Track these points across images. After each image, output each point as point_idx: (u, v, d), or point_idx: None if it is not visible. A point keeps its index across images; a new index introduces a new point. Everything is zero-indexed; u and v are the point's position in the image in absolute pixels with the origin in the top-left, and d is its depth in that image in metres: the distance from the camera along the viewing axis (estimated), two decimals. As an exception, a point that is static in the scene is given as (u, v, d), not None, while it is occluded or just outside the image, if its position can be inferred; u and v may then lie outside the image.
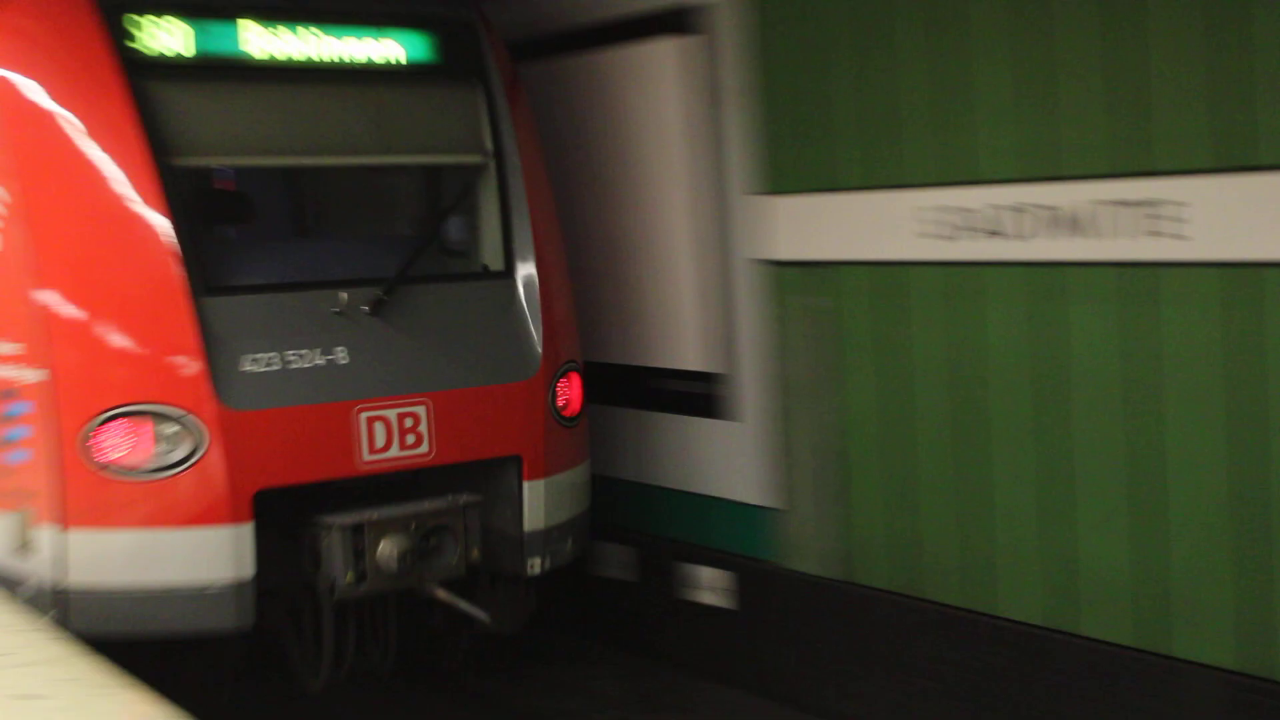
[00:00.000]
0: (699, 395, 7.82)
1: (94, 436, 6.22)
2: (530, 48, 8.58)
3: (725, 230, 7.52)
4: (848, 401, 7.11)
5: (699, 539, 7.97)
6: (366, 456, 6.57)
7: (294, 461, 6.48)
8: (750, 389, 7.52)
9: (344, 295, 6.70)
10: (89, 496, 6.28)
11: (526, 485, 7.02)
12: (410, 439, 6.68)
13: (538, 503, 7.04)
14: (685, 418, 7.92)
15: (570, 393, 7.33)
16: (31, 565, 6.36)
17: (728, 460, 7.69)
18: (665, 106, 7.74)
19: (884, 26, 6.70)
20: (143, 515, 6.32)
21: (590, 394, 7.70)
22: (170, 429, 6.27)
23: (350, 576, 6.50)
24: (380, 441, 6.61)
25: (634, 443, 8.28)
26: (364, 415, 6.57)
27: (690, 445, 7.92)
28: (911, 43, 6.57)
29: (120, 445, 6.25)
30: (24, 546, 6.43)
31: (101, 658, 5.45)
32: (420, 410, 6.70)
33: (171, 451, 6.28)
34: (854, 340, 7.05)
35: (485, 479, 7.02)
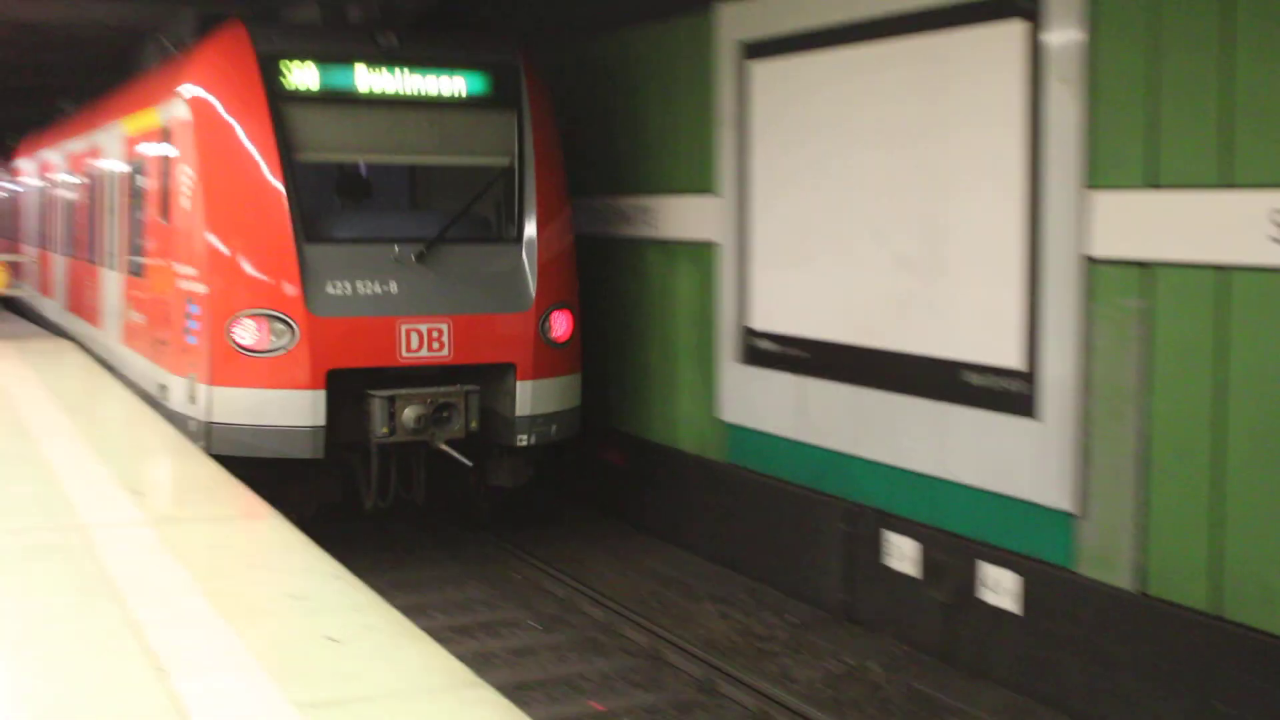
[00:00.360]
0: (999, 390, 7.67)
1: (233, 328, 9.79)
2: (850, 32, 8.55)
3: (1045, 223, 7.33)
4: (1156, 407, 6.87)
5: (987, 537, 7.83)
6: (404, 354, 9.93)
7: (354, 353, 9.88)
8: (1054, 387, 7.34)
9: (397, 248, 10.13)
10: (228, 366, 9.86)
11: (518, 384, 10.23)
12: (435, 345, 10.00)
13: (526, 397, 10.25)
14: (983, 412, 7.78)
15: (559, 324, 10.45)
16: (194, 409, 10.13)
17: (1023, 459, 7.54)
18: (993, 93, 7.60)
19: (1227, 15, 6.37)
20: (259, 379, 9.81)
21: (886, 383, 8.11)
22: (278, 326, 9.78)
23: (385, 430, 9.82)
24: (414, 345, 9.94)
25: (926, 434, 8.18)
26: (404, 327, 9.93)
27: (985, 441, 7.78)
28: (1260, 33, 6.23)
29: (247, 334, 9.80)
30: (192, 397, 10.21)
31: (390, 607, 5.80)
32: (444, 326, 10.03)
33: (278, 340, 9.77)
34: (1168, 344, 6.79)
35: (491, 378, 10.29)
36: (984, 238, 7.75)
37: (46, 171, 19.54)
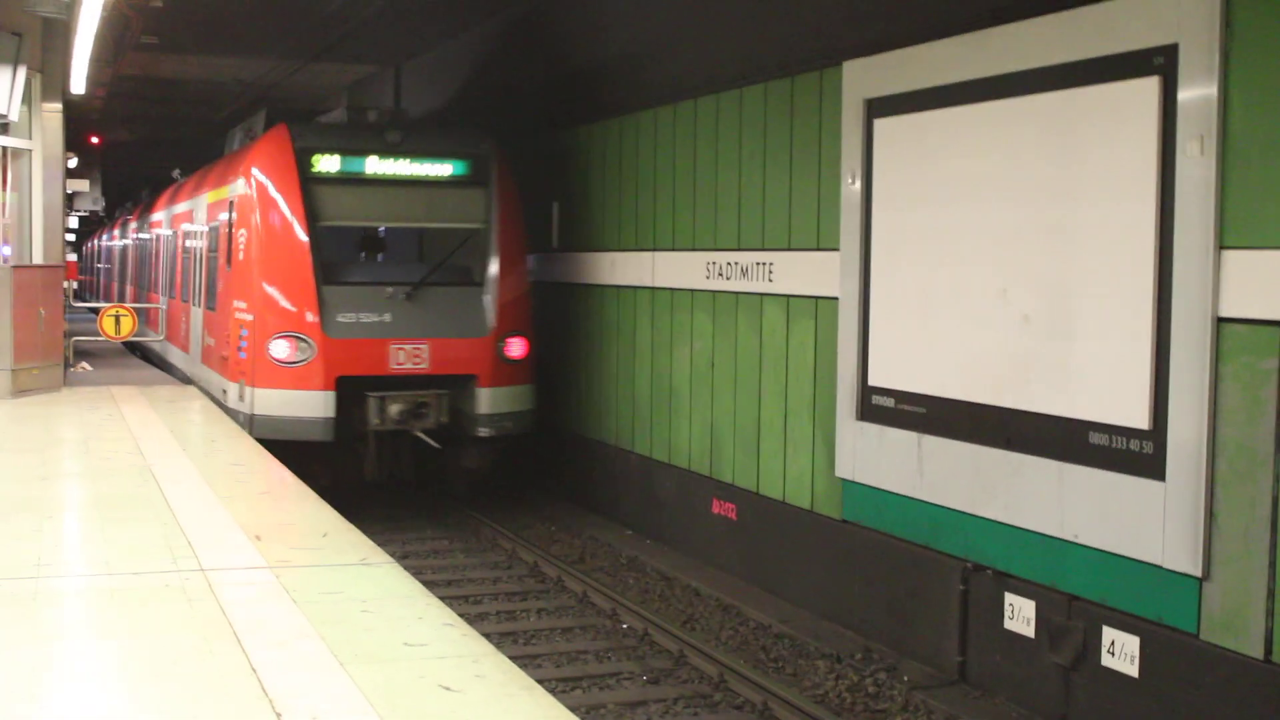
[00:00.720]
0: (1124, 451, 7.53)
1: (270, 344, 13.33)
2: (977, 88, 8.52)
3: (1176, 282, 7.20)
4: (1287, 470, 6.67)
5: (1108, 600, 7.67)
6: (393, 366, 13.41)
7: (357, 364, 13.37)
8: (1181, 448, 7.18)
9: (390, 289, 13.73)
10: (266, 373, 13.41)
11: (479, 390, 13.74)
12: (417, 360, 13.50)
13: (485, 399, 13.76)
14: (1104, 472, 7.64)
15: (515, 346, 13.96)
16: (243, 405, 13.72)
17: (1147, 521, 7.36)
18: (1124, 150, 7.50)
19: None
20: (288, 382, 13.31)
21: (1007, 441, 8.08)
22: (302, 344, 13.28)
23: (377, 421, 13.42)
24: (401, 360, 13.43)
25: (1047, 493, 8.05)
26: (393, 346, 13.45)
27: (1108, 501, 7.63)
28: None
29: (280, 349, 13.29)
30: (241, 397, 13.77)
31: (502, 657, 5.82)
32: (424, 346, 13.54)
33: (302, 354, 13.28)
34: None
35: (459, 385, 13.78)
36: (1112, 296, 7.63)
37: (157, 228, 23.70)
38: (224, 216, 15.23)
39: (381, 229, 16.11)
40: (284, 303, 13.51)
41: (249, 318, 13.80)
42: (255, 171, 14.09)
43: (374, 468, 13.95)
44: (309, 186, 13.83)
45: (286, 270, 13.56)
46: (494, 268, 14.03)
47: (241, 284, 14.17)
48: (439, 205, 14.41)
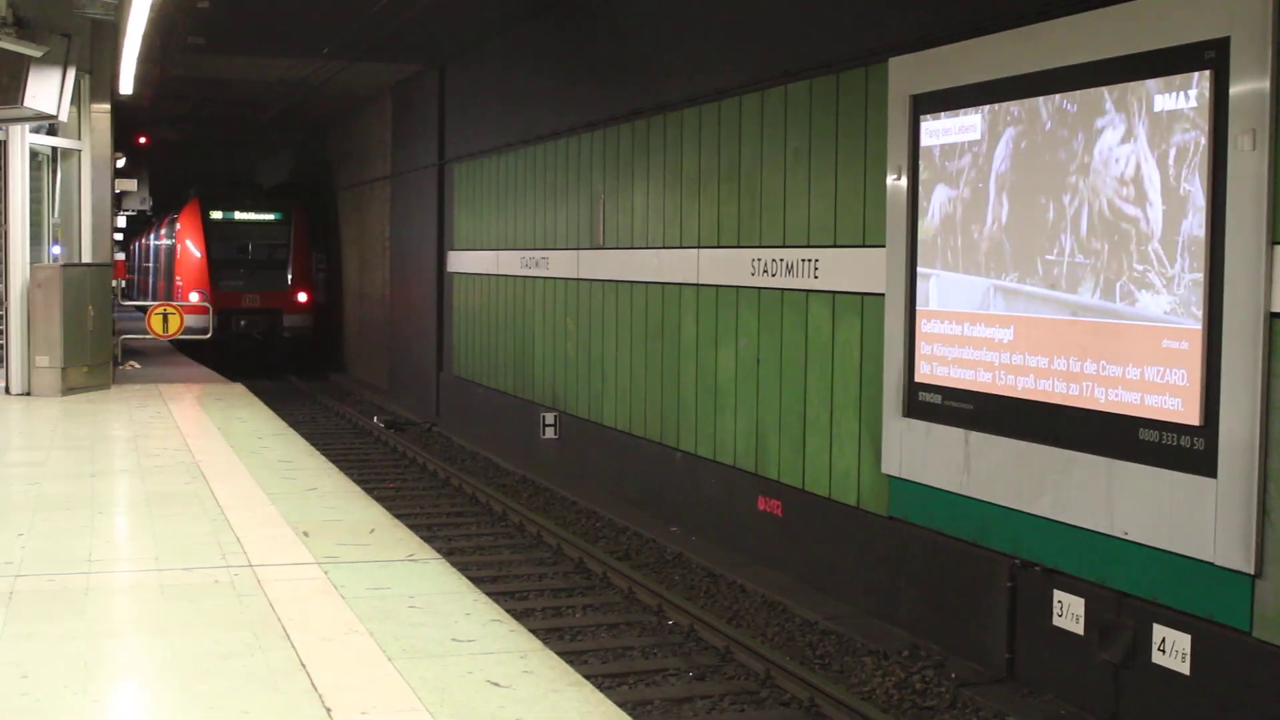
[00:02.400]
0: (1174, 447, 7.46)
1: (189, 295, 28.48)
2: (1021, 85, 8.47)
3: (1228, 278, 7.13)
4: (1339, 466, 6.60)
5: (1158, 597, 7.61)
6: (244, 304, 29.04)
7: (227, 303, 28.44)
8: (1233, 444, 7.11)
9: (243, 271, 29.42)
10: (186, 308, 22.67)
11: (284, 315, 29.42)
12: (254, 302, 29.32)
13: (285, 320, 29.54)
14: (1155, 469, 7.57)
15: (300, 295, 29.76)
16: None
17: (1196, 517, 7.30)
18: (1175, 145, 7.43)
19: None
20: (196, 310, 25.55)
21: (1055, 437, 7.82)
22: (203, 293, 28.35)
23: (236, 329, 29.39)
24: (245, 302, 29.26)
25: (1096, 490, 7.99)
26: (245, 296, 29.40)
27: (1158, 498, 7.57)
28: None
29: (193, 296, 28.44)
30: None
31: (550, 652, 5.83)
32: (257, 296, 29.52)
33: (202, 299, 27.52)
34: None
35: (274, 314, 29.47)
36: (1162, 291, 7.57)
37: (159, 237, 36.72)
38: (176, 232, 30.55)
39: (239, 245, 30.03)
40: (195, 275, 28.95)
41: (180, 281, 29.46)
42: (185, 215, 30.12)
43: (234, 352, 27.50)
44: (207, 223, 29.63)
45: (196, 265, 29.14)
46: (290, 259, 29.88)
47: (180, 265, 29.69)
48: (267, 231, 30.06)
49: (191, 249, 29.14)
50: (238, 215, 29.77)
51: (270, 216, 29.98)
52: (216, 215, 29.50)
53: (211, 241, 28.99)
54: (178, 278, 29.39)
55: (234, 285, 28.74)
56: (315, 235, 31.47)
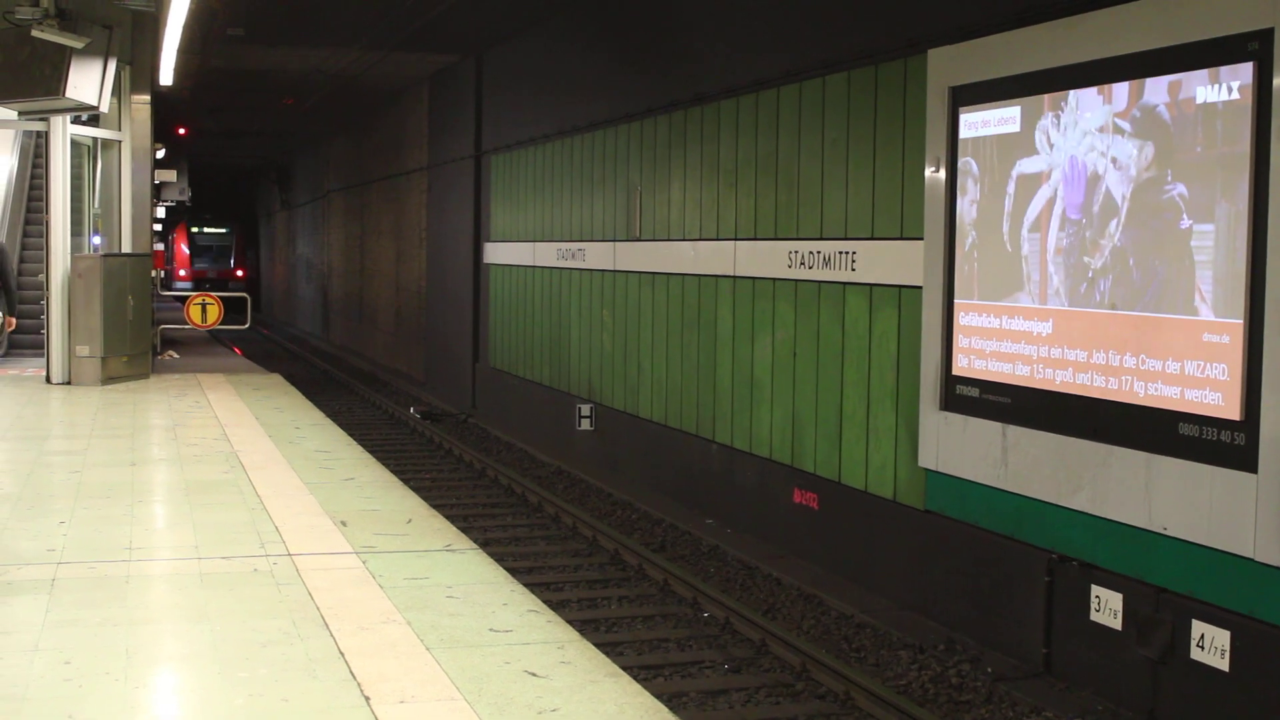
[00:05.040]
0: (1214, 442, 7.41)
1: (179, 270, 55.78)
2: (1062, 76, 8.42)
3: (1269, 270, 7.07)
4: (1381, 462, 6.54)
5: (1197, 592, 7.57)
6: (209, 278, 53.48)
7: (200, 277, 53.95)
8: (1271, 440, 7.06)
9: (209, 262, 56.18)
10: (180, 280, 55.86)
11: (229, 284, 52.94)
12: (214, 277, 54.11)
13: (231, 287, 51.59)
14: (1194, 464, 7.53)
15: (239, 272, 55.03)
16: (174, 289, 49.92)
17: (1236, 512, 7.25)
18: (1216, 136, 7.38)
19: None
20: (185, 279, 56.22)
21: (1093, 431, 7.83)
22: (183, 271, 56.12)
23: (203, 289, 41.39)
24: (211, 274, 53.79)
25: (1134, 484, 7.95)
26: (210, 273, 54.92)
27: (1197, 493, 7.52)
28: None
29: (181, 273, 55.58)
30: (171, 286, 53.09)
31: (587, 643, 5.85)
32: (214, 274, 55.19)
33: (187, 276, 55.89)
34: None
35: (224, 283, 53.42)
36: (1200, 283, 7.52)
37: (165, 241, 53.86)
38: (173, 239, 53.65)
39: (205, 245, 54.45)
40: (183, 261, 53.03)
41: (176, 265, 52.62)
42: (179, 230, 53.41)
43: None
44: (190, 234, 53.46)
45: (185, 254, 53.22)
46: (232, 253, 54.37)
47: (176, 256, 52.86)
48: (220, 239, 54.42)
49: (183, 248, 53.50)
50: (206, 230, 54.20)
51: (222, 230, 54.74)
52: (195, 229, 53.87)
53: (192, 243, 53.69)
54: (175, 263, 53.20)
55: (203, 266, 53.32)
56: (249, 241, 57.54)
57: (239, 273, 54.88)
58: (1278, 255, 7.02)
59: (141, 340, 16.82)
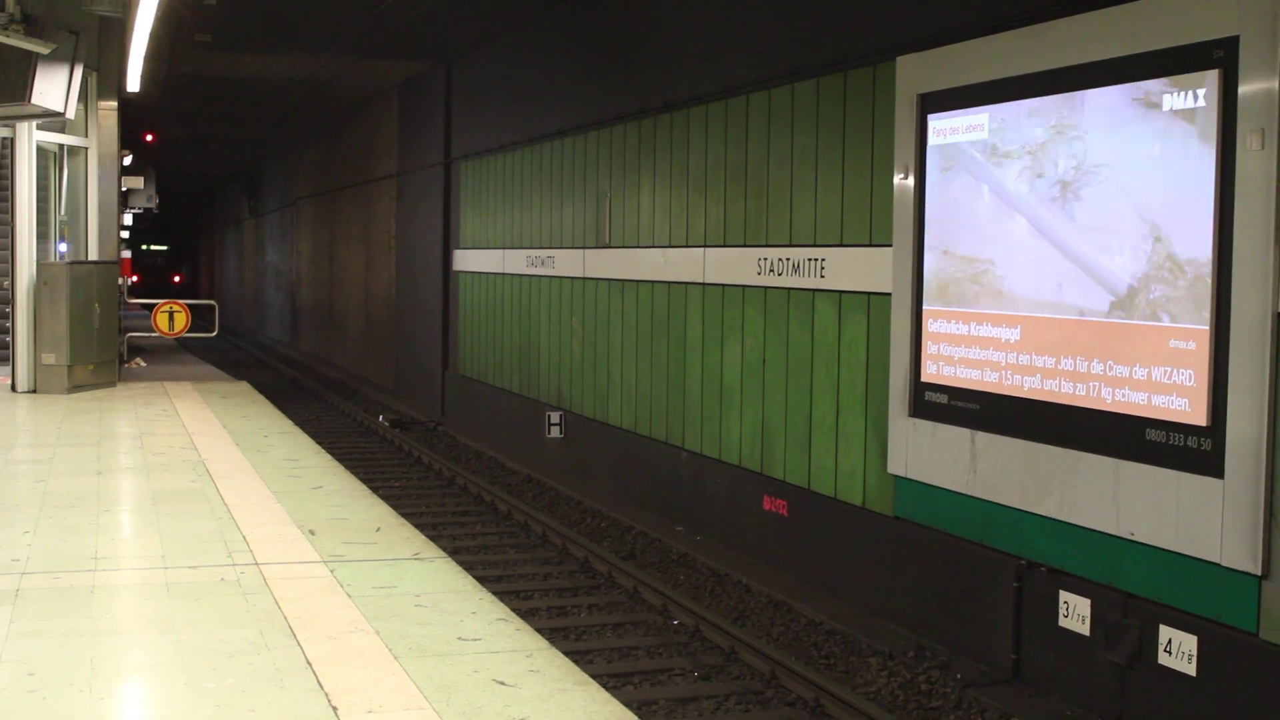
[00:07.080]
0: (1181, 447, 7.45)
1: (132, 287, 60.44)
2: (1029, 84, 8.45)
3: (1235, 278, 7.11)
4: (1346, 467, 6.58)
5: (1164, 598, 7.60)
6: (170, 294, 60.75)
7: (160, 294, 62.42)
8: (1240, 445, 7.10)
9: (172, 276, 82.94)
10: (140, 284, 71.27)
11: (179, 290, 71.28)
12: (171, 288, 76.03)
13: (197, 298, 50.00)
14: (1162, 470, 7.56)
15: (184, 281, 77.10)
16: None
17: (1203, 518, 7.29)
18: (1182, 144, 7.41)
19: None
20: (147, 296, 59.87)
21: (1060, 437, 7.68)
22: (148, 287, 74.71)
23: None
24: (174, 291, 72.69)
25: (1102, 490, 7.98)
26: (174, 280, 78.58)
27: (1164, 498, 7.56)
28: None
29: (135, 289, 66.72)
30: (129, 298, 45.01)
31: (556, 652, 5.83)
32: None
33: (148, 291, 70.46)
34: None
35: (182, 291, 77.10)
36: (1166, 291, 7.55)
37: None
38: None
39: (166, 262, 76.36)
40: (129, 269, 35.08)
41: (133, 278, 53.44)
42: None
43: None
44: (141, 250, 65.93)
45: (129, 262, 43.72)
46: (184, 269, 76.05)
47: (126, 265, 32.17)
48: (163, 254, 78.70)
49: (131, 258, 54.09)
50: (152, 247, 69.92)
51: (164, 247, 73.46)
52: (145, 247, 66.33)
53: (142, 256, 61.32)
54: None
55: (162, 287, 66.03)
56: (184, 253, 74.47)
57: (175, 278, 75.51)
58: (1243, 262, 7.07)
59: (108, 348, 16.72)
